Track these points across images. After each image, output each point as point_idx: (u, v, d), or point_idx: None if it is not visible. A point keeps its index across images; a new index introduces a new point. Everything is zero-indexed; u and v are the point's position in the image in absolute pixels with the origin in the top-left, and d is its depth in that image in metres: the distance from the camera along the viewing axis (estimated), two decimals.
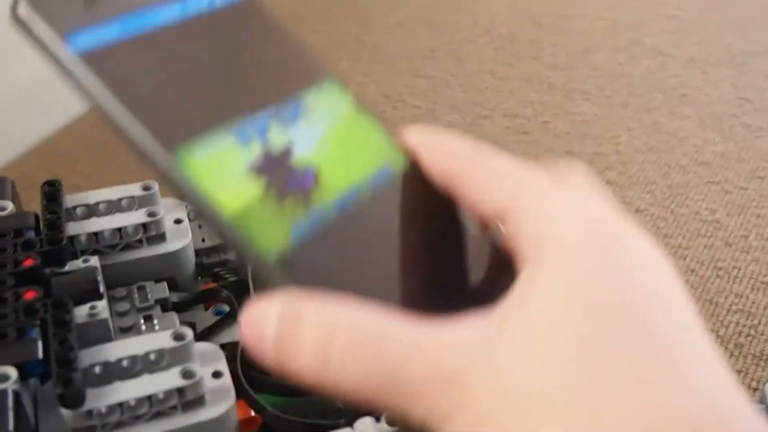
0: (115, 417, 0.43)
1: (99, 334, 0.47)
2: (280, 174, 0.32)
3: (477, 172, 0.34)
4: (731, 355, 0.82)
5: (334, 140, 0.35)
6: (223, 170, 0.31)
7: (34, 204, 0.56)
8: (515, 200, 0.32)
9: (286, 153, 0.33)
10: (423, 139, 0.36)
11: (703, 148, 1.11)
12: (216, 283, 0.58)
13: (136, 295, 0.53)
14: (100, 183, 1.02)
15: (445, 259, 0.35)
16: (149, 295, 0.53)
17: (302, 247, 0.31)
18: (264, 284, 0.31)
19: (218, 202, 0.31)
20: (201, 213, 0.31)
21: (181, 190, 0.31)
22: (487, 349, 0.29)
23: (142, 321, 0.51)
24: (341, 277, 0.32)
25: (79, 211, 0.55)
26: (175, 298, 0.54)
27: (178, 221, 0.57)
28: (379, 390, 0.29)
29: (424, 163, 0.35)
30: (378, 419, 0.46)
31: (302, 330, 0.30)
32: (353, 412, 0.51)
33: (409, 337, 0.29)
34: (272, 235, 0.31)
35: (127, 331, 0.51)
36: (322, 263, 0.32)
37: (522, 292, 0.30)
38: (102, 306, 0.48)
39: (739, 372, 0.80)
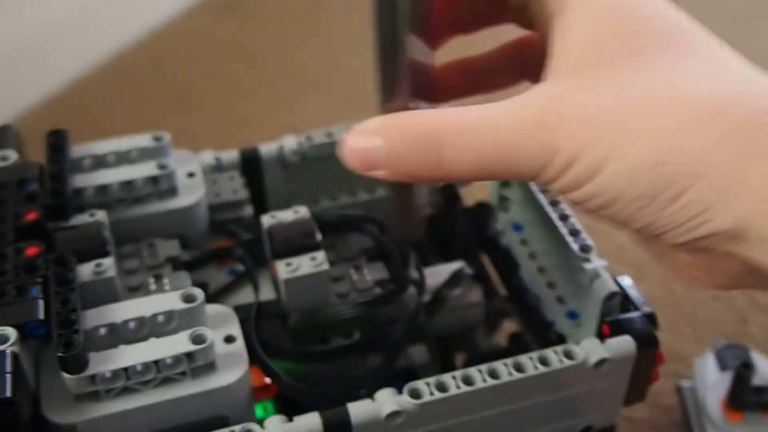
0: (120, 383, 0.40)
1: (105, 293, 0.44)
2: None
3: None
4: None
5: None
6: None
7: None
8: None
9: None
10: None
11: None
12: (230, 241, 0.55)
13: (145, 253, 0.50)
14: (116, 135, 0.99)
15: None
16: (159, 253, 0.50)
17: None
18: None
19: None
20: None
21: None
22: (567, 95, 0.36)
23: (151, 280, 0.48)
24: None
25: (86, 162, 0.52)
26: (186, 256, 0.51)
27: (190, 175, 0.54)
28: (495, 169, 0.36)
29: None
30: (400, 391, 0.43)
31: (410, 141, 0.36)
32: (372, 381, 0.49)
33: (502, 118, 0.36)
34: None
35: (135, 290, 0.48)
36: None
37: (564, 45, 0.37)
38: (108, 264, 0.45)
39: None
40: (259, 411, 0.47)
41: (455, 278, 0.55)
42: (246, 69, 1.18)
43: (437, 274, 0.56)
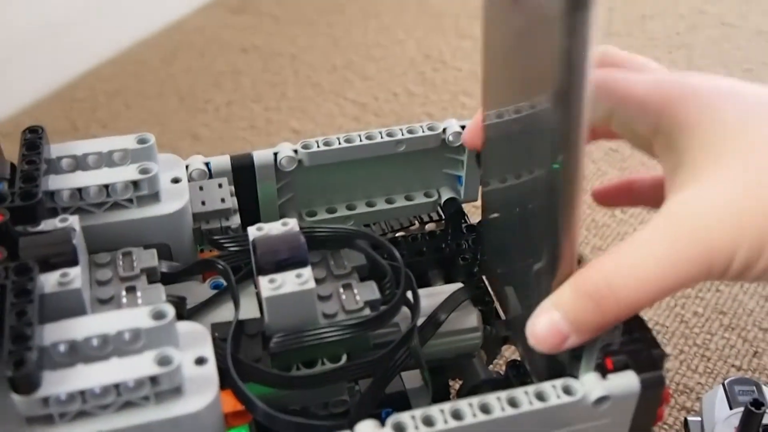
0: (75, 406, 0.37)
1: (69, 306, 0.41)
2: None
3: None
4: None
5: None
6: None
7: None
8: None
9: None
10: None
11: None
12: (218, 252, 0.52)
13: (120, 262, 0.47)
14: (119, 132, 0.97)
15: None
16: (135, 263, 0.47)
17: None
18: None
19: None
20: None
21: None
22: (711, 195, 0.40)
23: (123, 292, 0.45)
24: None
25: (64, 163, 0.49)
26: (164, 267, 0.48)
27: (175, 180, 0.51)
28: (670, 285, 0.39)
29: None
30: (382, 423, 0.40)
31: (584, 300, 0.40)
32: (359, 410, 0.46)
33: (655, 239, 0.40)
34: None
35: (105, 302, 0.44)
36: None
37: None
38: (75, 274, 0.41)
39: None
40: None
41: (451, 301, 0.52)
42: (255, 71, 1.15)
43: (434, 295, 0.53)
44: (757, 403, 0.56)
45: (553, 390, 0.42)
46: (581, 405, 0.42)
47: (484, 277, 0.57)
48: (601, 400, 0.42)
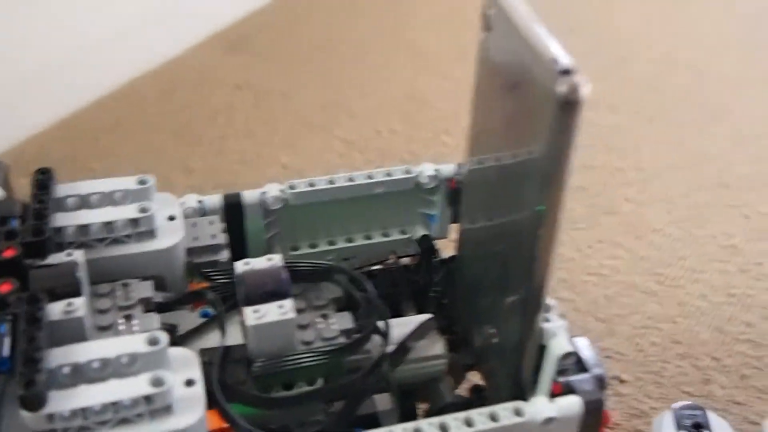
0: (77, 422, 0.42)
1: (73, 332, 0.46)
2: None
3: None
4: (735, 386, 0.80)
5: None
6: None
7: None
8: None
9: None
10: None
11: (728, 170, 1.09)
12: (207, 283, 0.57)
13: (119, 293, 0.52)
14: (116, 164, 1.02)
15: None
16: (132, 294, 0.52)
17: None
18: None
19: None
20: None
21: None
22: None
23: (121, 320, 0.50)
24: None
25: (70, 201, 0.54)
26: (159, 298, 0.53)
27: (171, 218, 0.56)
28: None
29: None
30: None
31: None
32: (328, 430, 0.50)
33: None
34: None
35: (105, 329, 0.50)
36: None
37: None
38: (78, 303, 0.47)
39: (740, 404, 0.78)
40: None
41: (420, 330, 0.57)
42: (248, 107, 1.20)
43: (404, 325, 0.58)
44: (698, 426, 0.61)
45: (504, 412, 0.47)
46: (530, 426, 0.47)
47: (454, 308, 0.62)
48: (547, 421, 0.48)
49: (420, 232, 0.66)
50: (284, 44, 1.36)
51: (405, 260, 0.68)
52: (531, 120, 0.46)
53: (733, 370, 0.82)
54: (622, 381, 0.80)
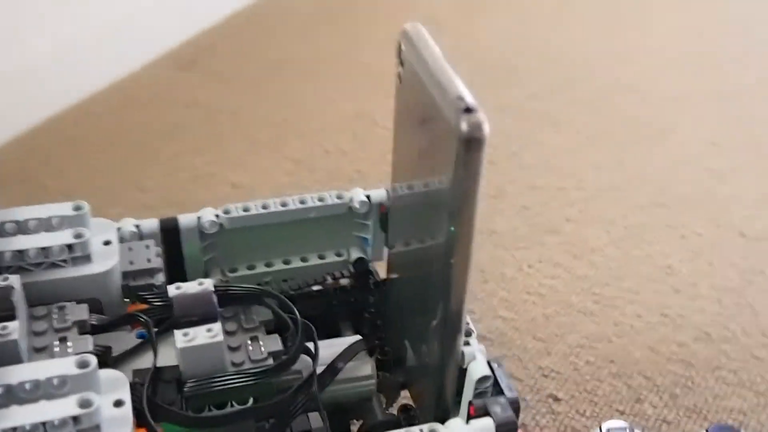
0: None
1: (8, 354, 0.48)
2: None
3: None
4: (665, 405, 0.83)
5: None
6: None
7: None
8: None
9: None
10: None
11: (666, 190, 1.12)
12: (143, 305, 0.59)
13: (55, 316, 0.54)
14: (68, 182, 1.03)
15: None
16: (67, 316, 0.54)
17: None
18: None
19: None
20: None
21: None
22: None
23: (56, 342, 0.52)
24: None
25: (8, 227, 0.56)
26: (94, 320, 0.55)
27: (106, 243, 0.58)
28: None
29: None
30: None
31: None
32: None
33: None
34: None
35: (40, 351, 0.52)
36: None
37: None
38: (13, 327, 0.49)
39: (669, 423, 0.81)
40: None
41: (349, 351, 0.59)
42: (200, 125, 1.22)
43: (335, 346, 0.60)
44: None
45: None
46: None
47: (387, 329, 0.65)
48: None
49: (357, 254, 0.69)
50: (235, 64, 1.39)
51: (344, 281, 0.70)
52: (440, 153, 0.48)
53: (663, 389, 0.85)
54: (556, 399, 0.82)
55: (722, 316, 0.94)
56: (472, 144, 0.44)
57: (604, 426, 0.70)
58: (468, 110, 0.45)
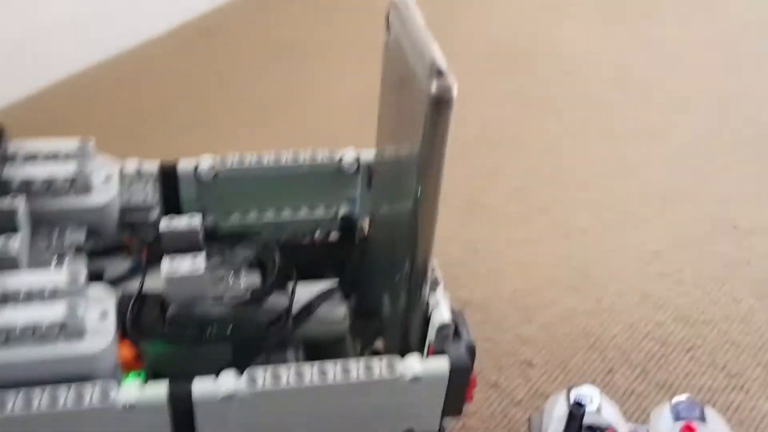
0: (1, 338, 0.49)
1: (9, 264, 0.54)
2: None
3: None
4: (636, 378, 0.86)
5: None
6: None
7: None
8: None
9: None
10: None
11: (663, 181, 1.14)
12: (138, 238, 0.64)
13: (55, 237, 0.59)
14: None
15: None
16: (66, 239, 0.59)
17: None
18: None
19: None
20: None
21: None
22: None
23: (55, 260, 0.57)
24: None
25: (18, 156, 0.61)
26: (89, 245, 0.60)
27: (107, 178, 0.63)
28: None
29: None
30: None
31: None
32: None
33: None
34: None
35: (39, 265, 0.57)
36: None
37: None
38: (15, 239, 0.54)
39: (638, 395, 0.84)
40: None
41: (325, 294, 0.64)
42: (204, 100, 1.26)
43: (312, 289, 0.65)
44: (578, 405, 0.67)
45: (378, 364, 0.54)
46: (401, 381, 0.54)
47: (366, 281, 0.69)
48: (416, 378, 0.54)
49: (344, 210, 0.73)
50: (245, 41, 1.44)
51: (333, 236, 0.74)
52: (413, 116, 0.52)
53: (636, 363, 0.88)
54: (531, 365, 0.86)
55: (704, 302, 0.97)
56: (441, 105, 0.49)
57: (573, 391, 0.74)
58: (439, 73, 0.49)
